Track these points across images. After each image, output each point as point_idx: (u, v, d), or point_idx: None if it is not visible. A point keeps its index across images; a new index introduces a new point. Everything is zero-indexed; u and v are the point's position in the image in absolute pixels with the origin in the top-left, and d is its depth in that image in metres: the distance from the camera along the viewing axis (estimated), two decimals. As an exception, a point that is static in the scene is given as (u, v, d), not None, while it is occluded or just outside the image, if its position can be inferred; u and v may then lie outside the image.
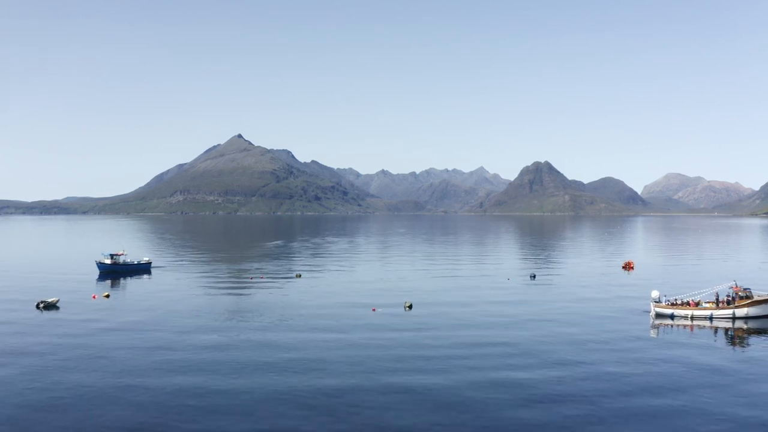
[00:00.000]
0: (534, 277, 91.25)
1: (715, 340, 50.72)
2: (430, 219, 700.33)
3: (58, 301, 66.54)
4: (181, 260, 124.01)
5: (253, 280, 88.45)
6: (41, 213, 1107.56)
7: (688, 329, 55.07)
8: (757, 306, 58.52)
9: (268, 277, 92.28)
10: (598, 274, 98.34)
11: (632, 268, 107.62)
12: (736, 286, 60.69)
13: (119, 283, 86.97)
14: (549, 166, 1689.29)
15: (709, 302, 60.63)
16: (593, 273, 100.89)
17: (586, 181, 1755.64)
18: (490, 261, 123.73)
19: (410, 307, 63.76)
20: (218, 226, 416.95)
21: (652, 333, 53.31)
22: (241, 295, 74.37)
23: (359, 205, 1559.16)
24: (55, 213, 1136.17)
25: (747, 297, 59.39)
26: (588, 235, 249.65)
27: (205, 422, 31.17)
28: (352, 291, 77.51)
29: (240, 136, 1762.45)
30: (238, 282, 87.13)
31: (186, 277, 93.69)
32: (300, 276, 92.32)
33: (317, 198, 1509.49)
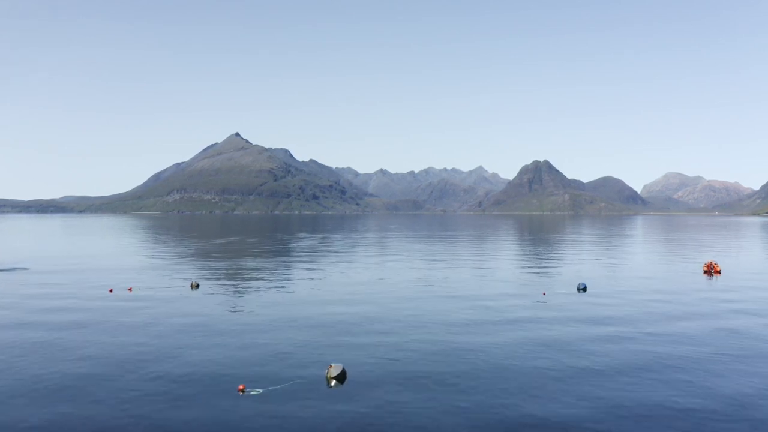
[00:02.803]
0: (584, 289, 55.62)
1: None
2: (428, 217, 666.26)
3: None
4: (60, 261, 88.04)
5: (113, 293, 53.18)
6: (38, 212, 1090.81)
7: None
8: None
9: (146, 286, 56.73)
10: (682, 283, 62.52)
11: (718, 272, 72.52)
12: None
13: None
14: (548, 166, 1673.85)
15: None
16: (669, 281, 65.16)
17: (585, 181, 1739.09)
18: (505, 266, 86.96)
19: (339, 377, 25.50)
20: (196, 223, 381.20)
21: None
22: (54, 318, 38.61)
23: (357, 204, 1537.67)
24: (52, 212, 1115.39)
25: None
26: (608, 233, 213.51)
27: None
28: (249, 327, 40.18)
29: (238, 134, 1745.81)
30: (89, 295, 51.43)
31: (29, 285, 57.92)
32: (197, 287, 56.92)
33: (315, 197, 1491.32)
